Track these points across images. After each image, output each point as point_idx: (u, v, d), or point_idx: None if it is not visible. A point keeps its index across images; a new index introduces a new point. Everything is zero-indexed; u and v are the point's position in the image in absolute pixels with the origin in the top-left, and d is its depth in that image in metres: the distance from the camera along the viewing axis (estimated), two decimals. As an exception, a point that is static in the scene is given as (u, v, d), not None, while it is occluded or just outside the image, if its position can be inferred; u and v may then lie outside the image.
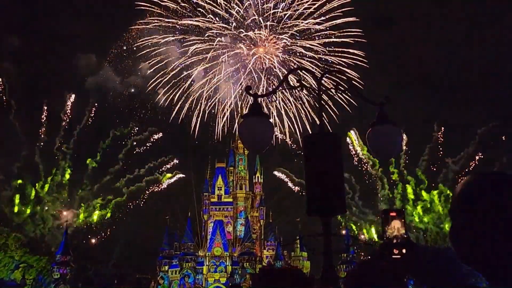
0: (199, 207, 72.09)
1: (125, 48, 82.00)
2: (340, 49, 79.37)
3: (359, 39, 77.35)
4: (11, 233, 60.05)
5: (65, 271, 56.41)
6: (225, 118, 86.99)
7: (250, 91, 5.43)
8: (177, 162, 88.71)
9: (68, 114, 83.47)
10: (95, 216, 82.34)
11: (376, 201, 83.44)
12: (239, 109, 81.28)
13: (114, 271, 65.52)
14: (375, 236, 78.30)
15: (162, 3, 78.33)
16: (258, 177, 74.55)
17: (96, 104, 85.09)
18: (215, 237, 65.46)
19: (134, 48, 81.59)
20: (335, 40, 79.43)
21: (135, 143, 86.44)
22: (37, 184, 77.70)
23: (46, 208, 76.98)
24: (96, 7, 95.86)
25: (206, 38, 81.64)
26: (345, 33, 78.41)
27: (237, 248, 64.91)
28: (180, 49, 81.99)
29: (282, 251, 63.92)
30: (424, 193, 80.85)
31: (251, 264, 62.22)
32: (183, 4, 79.50)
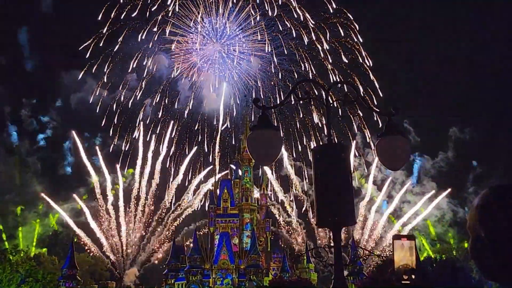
0: (205, 219, 72.20)
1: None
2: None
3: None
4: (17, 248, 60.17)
5: (71, 284, 56.32)
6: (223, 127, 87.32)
7: (259, 103, 5.44)
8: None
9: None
10: None
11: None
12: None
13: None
14: None
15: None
16: (263, 188, 74.44)
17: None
18: (221, 249, 65.21)
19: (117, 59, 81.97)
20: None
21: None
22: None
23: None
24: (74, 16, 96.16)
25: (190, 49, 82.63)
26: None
27: (244, 260, 64.57)
28: (167, 62, 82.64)
29: (288, 264, 63.53)
30: None
31: (258, 276, 61.83)
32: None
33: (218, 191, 71.66)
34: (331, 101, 5.63)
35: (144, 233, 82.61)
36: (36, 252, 69.46)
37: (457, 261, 49.24)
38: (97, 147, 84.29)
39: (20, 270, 55.46)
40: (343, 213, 4.99)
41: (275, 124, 5.56)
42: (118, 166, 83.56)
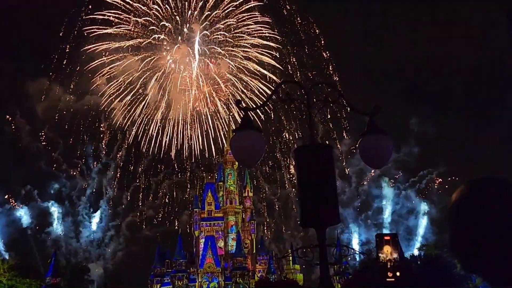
0: (190, 223, 71.91)
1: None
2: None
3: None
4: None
5: (55, 293, 55.61)
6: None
7: (241, 105, 5.44)
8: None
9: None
10: None
11: None
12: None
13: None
14: None
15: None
16: (248, 191, 74.46)
17: None
18: (207, 253, 65.07)
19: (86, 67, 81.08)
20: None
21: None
22: None
23: None
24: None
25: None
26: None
27: (229, 263, 64.47)
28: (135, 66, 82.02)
29: (274, 265, 63.61)
30: None
31: (244, 279, 61.79)
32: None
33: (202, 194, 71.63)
34: (312, 102, 5.66)
35: None
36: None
37: (440, 257, 49.69)
38: None
39: (3, 280, 54.66)
40: (327, 212, 5.01)
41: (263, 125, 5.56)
42: None
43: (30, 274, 60.22)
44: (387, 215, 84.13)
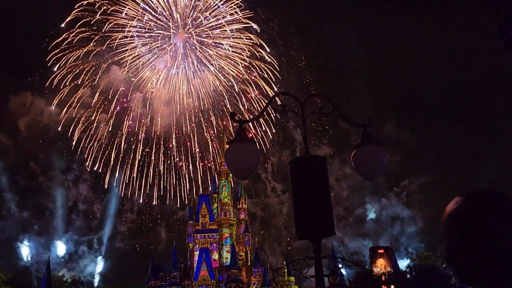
0: (184, 235, 71.48)
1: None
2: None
3: None
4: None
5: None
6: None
7: (235, 117, 5.46)
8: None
9: None
10: None
11: None
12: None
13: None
14: None
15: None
16: (242, 202, 74.30)
17: None
18: (201, 265, 64.75)
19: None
20: None
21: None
22: None
23: None
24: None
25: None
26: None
27: (224, 276, 64.14)
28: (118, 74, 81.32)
29: (269, 277, 63.34)
30: None
31: (239, 291, 61.46)
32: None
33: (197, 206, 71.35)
34: (306, 114, 5.69)
35: None
36: None
37: (435, 268, 49.72)
38: None
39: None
40: (322, 224, 5.02)
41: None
42: None
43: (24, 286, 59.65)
44: (370, 224, 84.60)
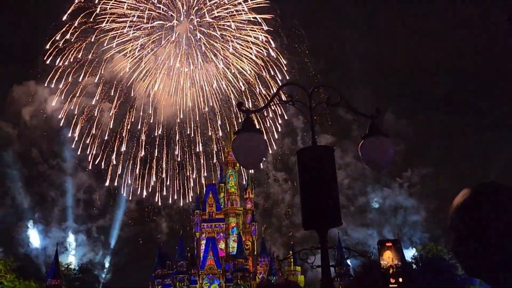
0: (191, 224, 71.80)
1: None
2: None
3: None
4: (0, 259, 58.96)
5: (56, 294, 55.58)
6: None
7: (243, 107, 5.45)
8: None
9: None
10: None
11: None
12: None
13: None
14: None
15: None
16: (249, 192, 74.47)
17: None
18: (208, 254, 65.09)
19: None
20: None
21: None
22: None
23: None
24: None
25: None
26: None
27: (230, 265, 64.46)
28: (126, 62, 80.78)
29: (275, 266, 63.57)
30: None
31: (245, 280, 61.79)
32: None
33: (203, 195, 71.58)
34: (313, 104, 5.67)
35: None
36: None
37: (441, 259, 49.68)
38: None
39: (4, 282, 54.65)
40: (328, 215, 5.02)
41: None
42: None
43: (31, 276, 60.25)
44: (373, 213, 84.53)
